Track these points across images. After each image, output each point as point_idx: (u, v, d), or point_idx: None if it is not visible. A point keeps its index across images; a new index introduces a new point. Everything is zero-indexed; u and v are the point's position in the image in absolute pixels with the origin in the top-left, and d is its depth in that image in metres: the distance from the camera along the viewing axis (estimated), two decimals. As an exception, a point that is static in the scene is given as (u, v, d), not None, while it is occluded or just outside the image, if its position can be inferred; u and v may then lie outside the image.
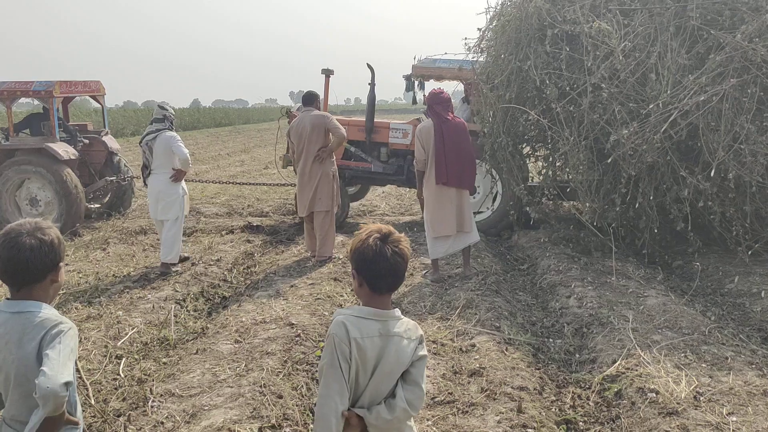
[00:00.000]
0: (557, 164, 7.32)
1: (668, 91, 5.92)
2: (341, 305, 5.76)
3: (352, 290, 5.97)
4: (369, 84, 9.26)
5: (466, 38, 8.31)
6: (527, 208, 7.68)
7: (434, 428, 3.45)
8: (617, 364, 4.16)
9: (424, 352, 2.10)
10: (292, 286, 6.16)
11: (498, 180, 8.14)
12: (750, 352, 4.34)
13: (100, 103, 10.61)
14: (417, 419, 3.42)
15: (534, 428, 3.44)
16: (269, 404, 3.76)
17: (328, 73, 9.33)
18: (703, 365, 4.07)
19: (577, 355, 4.63)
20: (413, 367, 2.07)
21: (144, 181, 6.97)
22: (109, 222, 9.59)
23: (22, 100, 10.06)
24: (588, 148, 6.50)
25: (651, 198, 6.36)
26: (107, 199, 10.33)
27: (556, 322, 5.33)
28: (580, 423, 3.66)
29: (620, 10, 6.49)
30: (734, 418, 3.37)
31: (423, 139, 6.15)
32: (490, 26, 7.89)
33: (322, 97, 8.27)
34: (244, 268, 7.23)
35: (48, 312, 2.01)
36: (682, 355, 4.25)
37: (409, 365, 2.06)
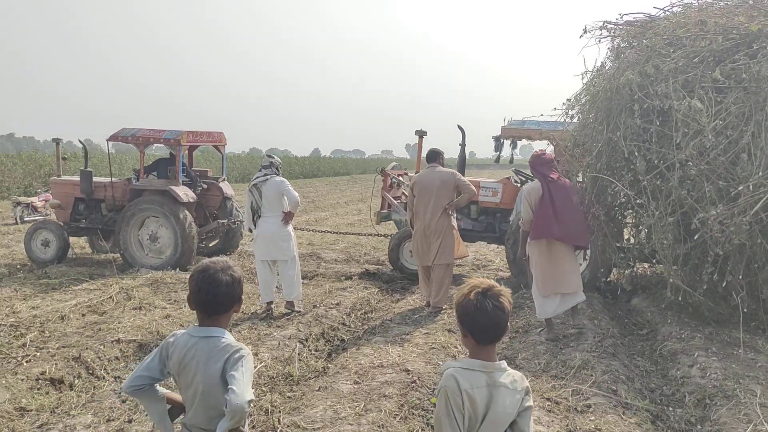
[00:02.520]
0: (642, 235, 7.12)
1: (760, 173, 5.62)
2: (455, 356, 5.89)
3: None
4: (460, 144, 9.61)
5: (555, 108, 8.12)
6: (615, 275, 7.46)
7: (548, 484, 3.50)
8: (742, 438, 4.03)
9: (530, 402, 2.23)
10: (407, 334, 6.38)
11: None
12: None
13: (221, 152, 11.65)
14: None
15: (651, 495, 3.40)
16: (387, 444, 3.95)
17: (421, 134, 9.80)
18: (840, 449, 3.86)
19: (699, 426, 4.49)
20: (520, 417, 2.20)
21: (253, 224, 7.33)
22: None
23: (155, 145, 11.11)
24: (675, 224, 6.24)
25: (740, 277, 6.01)
26: (218, 240, 11.16)
27: (676, 391, 5.18)
28: (701, 495, 3.58)
29: (713, 87, 6.23)
30: None
31: (531, 199, 6.30)
32: (581, 96, 7.85)
33: (415, 155, 8.57)
34: (361, 313, 7.54)
35: (229, 338, 2.35)
36: (816, 436, 4.04)
37: (516, 416, 2.19)
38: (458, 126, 9.63)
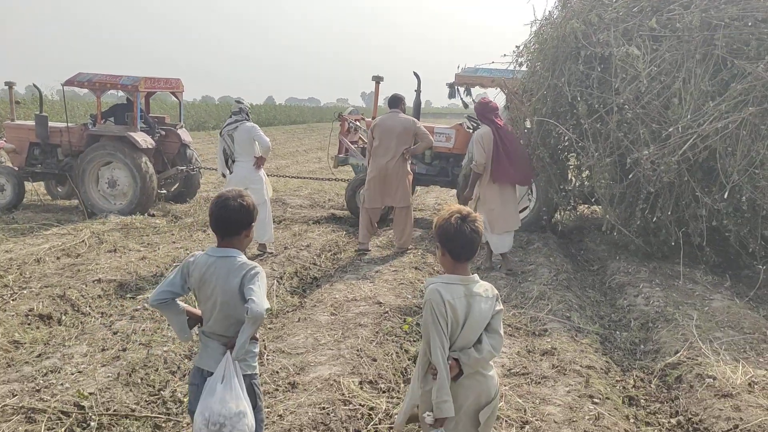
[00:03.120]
0: (584, 175, 7.73)
1: (689, 116, 6.17)
2: (422, 291, 6.31)
3: (431, 273, 6.53)
4: (415, 91, 9.89)
5: (504, 55, 8.68)
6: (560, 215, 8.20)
7: (511, 392, 3.96)
8: (679, 354, 4.57)
9: (500, 306, 2.63)
10: (377, 272, 6.76)
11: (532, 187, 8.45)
12: (807, 353, 4.66)
13: (179, 99, 11.68)
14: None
15: (600, 400, 3.90)
16: (366, 365, 4.36)
17: (378, 79, 10.05)
18: (761, 360, 4.43)
19: (642, 346, 5.04)
20: (493, 319, 2.59)
21: (227, 169, 7.52)
22: (184, 207, 10.63)
23: (110, 91, 11.05)
24: (612, 164, 6.81)
25: (669, 213, 6.64)
26: (176, 186, 11.32)
27: (623, 318, 5.73)
28: (642, 400, 4.11)
29: (650, 36, 6.75)
30: (785, 405, 3.74)
31: (484, 143, 6.72)
32: (530, 44, 8.28)
33: (371, 104, 8.86)
34: (331, 254, 7.88)
35: (244, 258, 2.65)
36: (741, 350, 4.61)
37: (490, 318, 2.59)
38: (414, 72, 9.84)
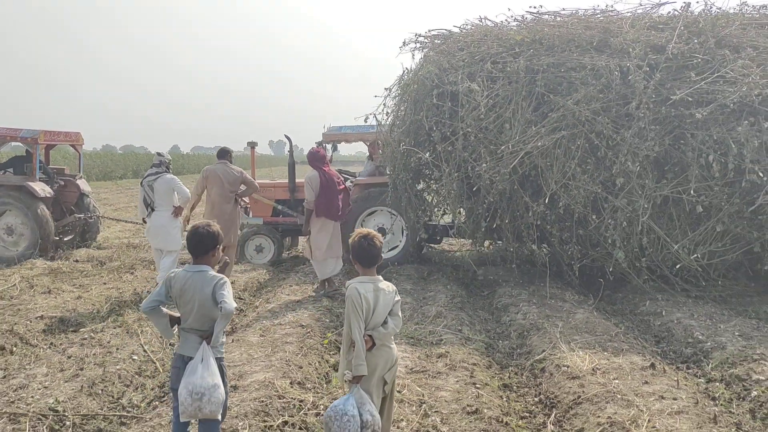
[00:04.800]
0: (441, 193, 9.30)
1: (517, 138, 7.93)
2: (338, 316, 7.25)
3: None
4: (288, 152, 11.20)
5: (368, 115, 10.09)
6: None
7: (414, 384, 4.97)
8: (544, 352, 5.74)
9: (398, 298, 3.67)
10: (298, 302, 7.67)
11: (398, 217, 10.00)
12: (641, 347, 5.95)
13: (78, 152, 12.37)
14: (401, 369, 4.95)
15: (481, 386, 4.98)
16: (294, 371, 5.26)
17: (252, 144, 11.49)
18: (605, 353, 5.65)
19: (518, 350, 6.20)
20: (394, 306, 3.62)
21: (146, 217, 8.15)
22: (107, 253, 11.29)
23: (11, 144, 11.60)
24: (460, 179, 8.55)
25: (507, 221, 8.35)
26: (74, 234, 11.86)
27: (505, 330, 6.90)
28: (515, 386, 5.23)
29: (488, 77, 8.60)
30: (617, 381, 4.93)
31: (312, 185, 8.00)
32: (393, 91, 9.91)
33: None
34: (254, 290, 8.73)
35: (213, 272, 3.54)
36: (592, 347, 5.82)
37: (392, 305, 3.61)
38: (285, 135, 11.10)
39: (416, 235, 9.89)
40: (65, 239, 11.64)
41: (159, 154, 8.37)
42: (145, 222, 8.37)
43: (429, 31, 10.11)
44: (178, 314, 3.60)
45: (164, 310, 3.56)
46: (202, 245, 3.57)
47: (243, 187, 8.56)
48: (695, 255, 7.50)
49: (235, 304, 3.48)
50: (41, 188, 10.47)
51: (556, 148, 7.79)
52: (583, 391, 4.75)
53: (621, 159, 7.53)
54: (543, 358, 5.63)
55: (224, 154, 8.70)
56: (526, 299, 7.77)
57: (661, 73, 7.70)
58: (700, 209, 7.41)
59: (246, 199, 10.93)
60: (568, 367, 5.26)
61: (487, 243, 9.57)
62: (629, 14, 9.15)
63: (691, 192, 7.29)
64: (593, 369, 5.20)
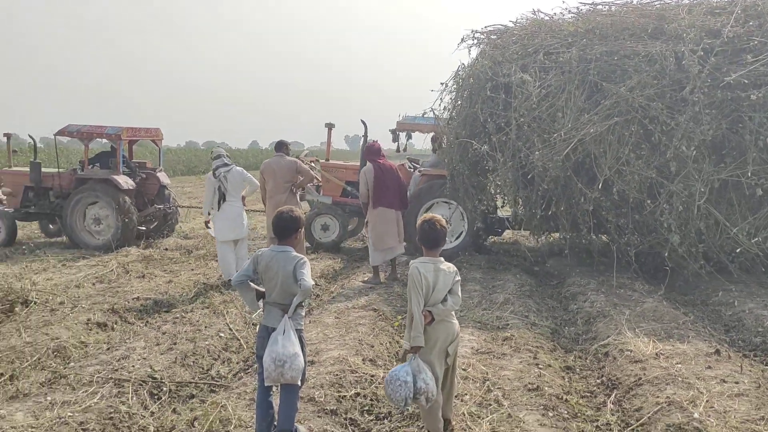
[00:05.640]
0: (497, 183, 9.52)
1: (569, 125, 8.04)
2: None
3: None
4: (363, 136, 11.48)
5: (425, 110, 10.50)
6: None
7: (479, 364, 5.22)
8: (609, 338, 5.86)
9: (458, 278, 3.93)
10: (371, 288, 8.04)
11: (459, 208, 10.16)
12: (708, 336, 5.98)
13: (158, 146, 13.18)
14: (467, 349, 5.21)
15: (543, 366, 5.19)
16: (366, 349, 5.61)
17: (330, 126, 11.86)
18: (669, 340, 5.73)
19: (583, 336, 6.34)
20: (454, 286, 3.89)
21: (213, 209, 8.52)
22: (192, 242, 12.04)
23: (97, 139, 12.46)
24: (515, 168, 8.70)
25: (562, 209, 8.44)
26: (156, 223, 12.63)
27: (572, 317, 7.04)
28: (577, 368, 5.40)
29: (540, 68, 8.78)
30: (679, 366, 5.03)
31: (367, 178, 8.36)
32: (449, 86, 10.18)
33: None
34: (330, 276, 9.18)
35: (294, 252, 3.93)
36: (657, 334, 5.91)
37: (452, 285, 3.88)
38: (361, 120, 11.42)
39: (474, 226, 10.09)
40: (148, 227, 12.50)
41: (218, 149, 8.92)
42: (208, 213, 8.71)
43: (485, 27, 10.39)
44: (263, 289, 4.00)
45: (251, 284, 3.97)
46: (286, 229, 3.97)
47: (301, 178, 9.03)
48: (756, 239, 7.44)
49: (312, 282, 3.85)
50: (124, 181, 11.28)
51: (610, 135, 7.91)
52: (645, 374, 4.88)
53: (675, 144, 7.58)
54: (607, 344, 5.76)
55: (280, 146, 9.24)
56: (594, 288, 7.86)
57: (717, 57, 7.73)
58: (759, 192, 7.39)
59: (319, 178, 11.53)
60: (631, 351, 5.38)
61: (548, 234, 9.76)
62: (687, 1, 9.15)
63: (749, 175, 7.29)
64: (656, 354, 5.31)
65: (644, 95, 7.84)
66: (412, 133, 11.78)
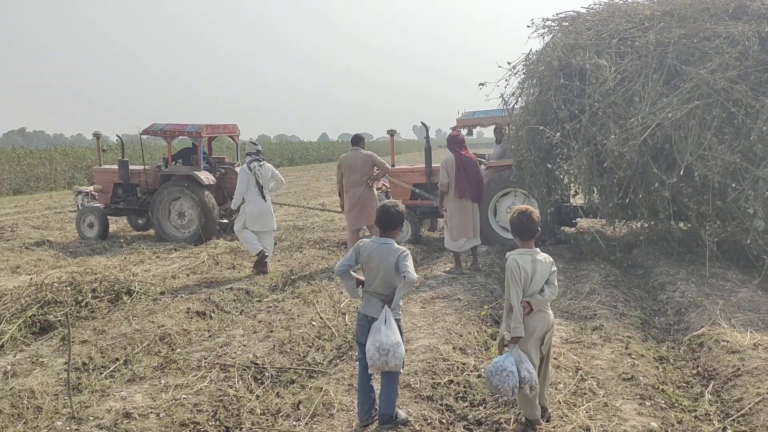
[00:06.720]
0: (572, 171, 9.32)
1: (647, 110, 7.81)
2: (492, 291, 7.63)
3: (499, 279, 7.86)
4: (425, 138, 11.52)
5: (501, 95, 10.28)
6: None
7: (569, 353, 5.25)
8: (703, 328, 5.76)
9: (555, 268, 3.97)
10: (453, 278, 8.14)
11: (529, 197, 9.92)
12: (810, 326, 5.79)
13: (236, 142, 13.60)
14: (556, 338, 5.25)
15: (636, 357, 5.16)
16: (455, 338, 5.73)
17: (391, 133, 12.08)
18: (768, 330, 5.59)
19: (675, 326, 6.24)
20: (551, 276, 3.94)
21: (242, 201, 8.84)
22: (277, 234, 12.32)
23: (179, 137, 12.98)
24: (590, 156, 8.48)
25: (640, 196, 8.22)
26: (235, 215, 12.96)
27: (661, 307, 6.92)
28: (671, 359, 5.34)
29: (616, 53, 8.58)
30: (781, 357, 4.92)
31: (448, 168, 8.36)
32: (518, 71, 10.02)
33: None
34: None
35: (397, 245, 4.08)
36: (755, 325, 5.76)
37: (549, 275, 3.93)
38: (422, 122, 11.45)
39: (546, 214, 9.93)
40: (231, 221, 12.98)
41: (254, 143, 9.18)
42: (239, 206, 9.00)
43: (556, 14, 10.25)
44: (363, 278, 4.17)
45: (353, 273, 4.14)
46: (390, 222, 4.12)
47: (377, 171, 9.20)
48: None
49: (416, 275, 3.98)
50: (205, 176, 11.77)
51: (690, 119, 7.65)
52: (743, 365, 4.79)
53: (760, 126, 7.29)
54: (701, 334, 5.66)
55: (357, 140, 9.47)
56: (684, 278, 7.68)
57: None
58: None
59: (386, 183, 11.65)
60: (727, 342, 5.28)
61: (625, 222, 9.58)
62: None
63: None
64: (755, 344, 5.19)
65: (726, 77, 7.58)
66: (473, 129, 11.85)
